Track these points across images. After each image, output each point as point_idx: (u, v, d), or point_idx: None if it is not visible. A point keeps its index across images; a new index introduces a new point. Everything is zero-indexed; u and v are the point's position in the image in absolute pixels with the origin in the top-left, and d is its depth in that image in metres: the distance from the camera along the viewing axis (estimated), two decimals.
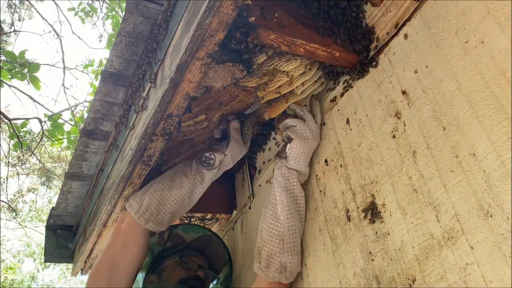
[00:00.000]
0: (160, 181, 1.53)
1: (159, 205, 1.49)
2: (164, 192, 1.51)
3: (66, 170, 1.86)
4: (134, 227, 1.47)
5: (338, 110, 1.40)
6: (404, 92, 1.14)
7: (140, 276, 1.64)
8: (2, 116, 5.18)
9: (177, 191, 1.51)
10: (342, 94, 1.39)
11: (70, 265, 2.25)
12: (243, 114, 1.56)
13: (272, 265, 1.35)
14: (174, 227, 1.74)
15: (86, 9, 7.00)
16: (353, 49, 1.29)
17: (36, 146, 5.86)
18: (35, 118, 5.40)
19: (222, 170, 1.58)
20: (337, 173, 1.35)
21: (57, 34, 6.49)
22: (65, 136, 5.50)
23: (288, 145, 1.43)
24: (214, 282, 1.71)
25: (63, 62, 6.31)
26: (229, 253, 1.78)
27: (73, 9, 6.84)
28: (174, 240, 1.74)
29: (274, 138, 1.74)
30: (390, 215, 1.11)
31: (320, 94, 1.50)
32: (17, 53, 4.44)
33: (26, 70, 4.46)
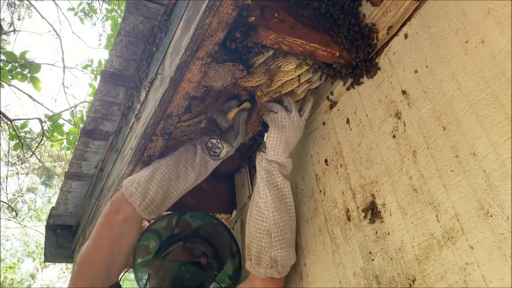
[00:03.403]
0: (165, 168, 1.43)
1: (164, 196, 1.41)
2: (171, 183, 1.42)
3: (66, 170, 1.86)
4: (133, 219, 1.38)
5: (338, 110, 1.40)
6: (404, 92, 1.14)
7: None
8: (2, 116, 5.18)
9: (183, 183, 1.45)
10: (342, 94, 1.39)
11: (70, 265, 2.25)
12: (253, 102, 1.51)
13: (263, 261, 1.33)
14: (183, 213, 1.71)
15: (85, 10, 7.00)
16: (353, 49, 1.29)
17: (37, 147, 5.85)
18: (36, 118, 5.39)
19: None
20: (337, 173, 1.35)
21: (57, 34, 6.50)
22: (65, 137, 5.49)
23: (266, 134, 1.39)
24: (219, 273, 1.65)
25: (63, 61, 6.32)
26: (237, 245, 1.72)
27: (72, 9, 6.84)
28: (182, 226, 1.69)
29: None
30: (390, 215, 1.11)
31: (319, 93, 1.50)
32: (17, 53, 4.43)
33: (27, 71, 4.46)
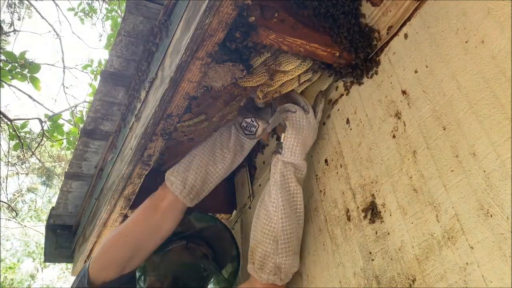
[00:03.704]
0: (202, 155, 1.46)
1: (203, 182, 1.45)
2: (208, 167, 1.45)
3: (66, 170, 1.86)
4: (177, 206, 1.43)
5: (338, 110, 1.40)
6: (404, 92, 1.14)
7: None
8: (2, 116, 5.18)
9: (221, 166, 1.47)
10: (342, 94, 1.39)
11: (70, 265, 2.25)
12: None
13: (266, 267, 1.31)
14: (186, 212, 1.70)
15: (85, 10, 7.00)
16: (353, 49, 1.29)
17: (37, 147, 5.85)
18: (36, 118, 5.39)
19: (259, 139, 1.51)
20: (337, 173, 1.35)
21: (57, 34, 6.50)
22: (65, 137, 5.49)
23: (283, 135, 1.38)
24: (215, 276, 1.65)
25: (63, 61, 6.31)
26: (237, 249, 1.72)
27: (72, 9, 6.84)
28: (184, 226, 1.68)
29: (275, 136, 1.74)
30: (390, 215, 1.11)
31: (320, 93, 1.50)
32: (17, 54, 4.44)
33: (26, 71, 4.46)
